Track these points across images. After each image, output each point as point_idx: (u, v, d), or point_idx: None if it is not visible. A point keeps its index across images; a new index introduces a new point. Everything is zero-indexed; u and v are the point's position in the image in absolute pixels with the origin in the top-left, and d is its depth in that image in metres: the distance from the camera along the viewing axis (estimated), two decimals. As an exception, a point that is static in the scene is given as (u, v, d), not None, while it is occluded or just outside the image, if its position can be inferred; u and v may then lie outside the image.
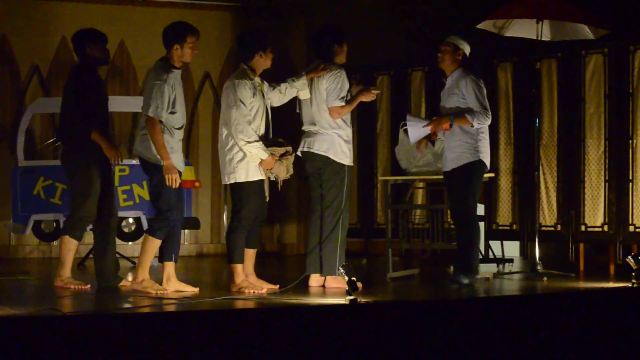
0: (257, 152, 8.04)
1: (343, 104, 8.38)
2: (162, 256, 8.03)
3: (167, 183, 7.79)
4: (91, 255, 10.93)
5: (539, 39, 9.28)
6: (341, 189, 8.39)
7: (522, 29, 9.57)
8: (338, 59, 8.51)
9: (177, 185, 7.83)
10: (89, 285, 8.31)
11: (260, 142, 8.04)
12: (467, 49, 8.65)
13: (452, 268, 9.21)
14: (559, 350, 7.22)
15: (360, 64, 11.68)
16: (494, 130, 10.50)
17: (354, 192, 11.61)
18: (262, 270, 8.70)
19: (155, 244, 7.90)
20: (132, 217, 11.25)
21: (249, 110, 8.03)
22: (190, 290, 7.96)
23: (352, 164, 8.52)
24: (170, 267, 8.03)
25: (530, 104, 9.91)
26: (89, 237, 11.66)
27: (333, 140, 8.40)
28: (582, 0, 9.55)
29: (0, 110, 12.05)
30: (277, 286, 8.22)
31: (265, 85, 8.32)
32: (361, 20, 12.76)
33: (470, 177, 8.56)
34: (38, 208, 11.21)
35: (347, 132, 8.46)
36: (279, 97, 8.42)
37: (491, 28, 9.62)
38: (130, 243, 11.76)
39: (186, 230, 11.98)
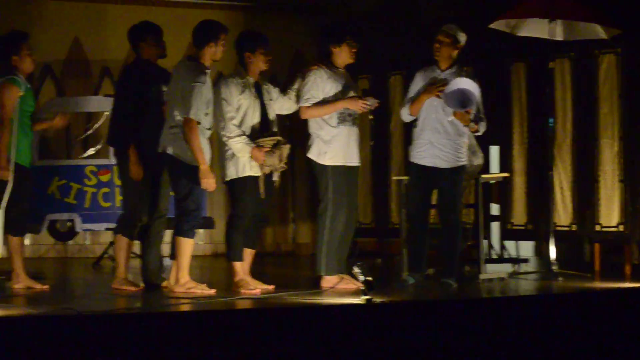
0: (240, 146, 7.98)
1: (308, 104, 8.24)
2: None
3: (203, 187, 7.72)
4: (106, 255, 11.00)
5: (552, 38, 9.27)
6: (327, 189, 8.25)
7: (535, 28, 9.54)
8: (338, 59, 8.33)
9: (213, 189, 7.78)
10: (140, 287, 8.23)
11: (243, 137, 7.98)
12: (464, 41, 8.52)
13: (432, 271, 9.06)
14: (575, 351, 7.21)
15: (373, 63, 11.66)
16: (507, 130, 10.50)
17: (368, 192, 11.62)
18: (277, 270, 8.70)
19: (189, 244, 7.83)
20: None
21: (235, 108, 8.00)
22: (200, 289, 7.90)
23: (342, 164, 8.26)
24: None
25: (543, 103, 9.90)
26: (104, 237, 11.78)
27: (314, 141, 8.30)
28: (595, 0, 9.54)
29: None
30: (273, 287, 8.11)
31: (272, 88, 8.30)
32: (374, 19, 12.71)
33: (462, 179, 8.53)
34: (53, 208, 11.22)
35: (331, 132, 8.25)
36: (289, 104, 8.39)
37: (504, 27, 9.59)
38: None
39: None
